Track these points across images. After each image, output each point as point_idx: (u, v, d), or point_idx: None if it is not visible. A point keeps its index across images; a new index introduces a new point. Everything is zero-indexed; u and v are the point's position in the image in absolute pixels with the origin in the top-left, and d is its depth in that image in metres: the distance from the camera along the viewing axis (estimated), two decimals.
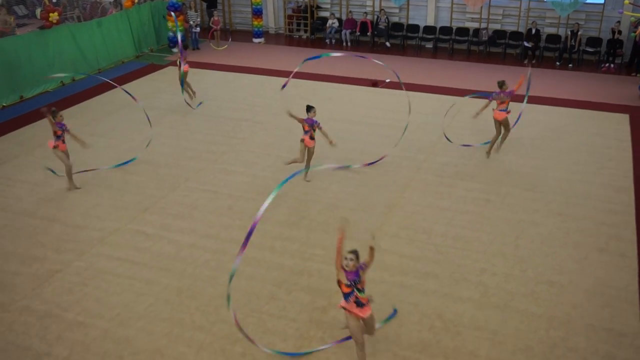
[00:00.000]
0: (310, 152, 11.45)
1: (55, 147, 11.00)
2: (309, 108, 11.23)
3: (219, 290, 8.64)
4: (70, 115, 15.25)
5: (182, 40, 19.98)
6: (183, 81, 15.27)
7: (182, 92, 15.71)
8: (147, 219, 10.53)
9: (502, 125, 12.28)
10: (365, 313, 6.62)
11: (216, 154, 12.99)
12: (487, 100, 12.28)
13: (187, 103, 15.61)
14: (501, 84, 12.06)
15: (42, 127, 14.40)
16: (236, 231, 10.09)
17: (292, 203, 10.97)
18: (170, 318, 8.12)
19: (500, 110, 12.10)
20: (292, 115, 11.15)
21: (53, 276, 9.02)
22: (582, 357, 7.43)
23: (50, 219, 10.57)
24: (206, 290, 8.68)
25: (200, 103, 15.69)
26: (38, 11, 21.26)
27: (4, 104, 15.91)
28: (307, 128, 11.18)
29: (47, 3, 19.08)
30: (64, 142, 11.04)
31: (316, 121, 11.20)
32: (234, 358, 7.43)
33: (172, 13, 19.72)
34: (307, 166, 11.42)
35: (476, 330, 7.86)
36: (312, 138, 11.25)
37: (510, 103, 12.09)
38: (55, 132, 10.92)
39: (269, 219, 10.43)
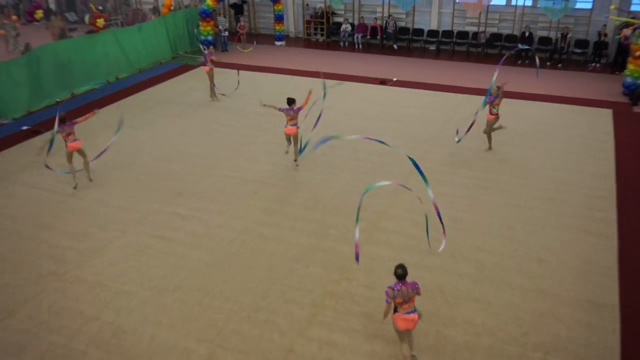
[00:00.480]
0: (295, 139, 11.51)
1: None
2: (291, 101, 11.27)
3: (244, 265, 8.71)
4: (112, 110, 15.39)
5: (210, 43, 20.09)
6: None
7: (216, 88, 15.99)
8: (181, 202, 10.60)
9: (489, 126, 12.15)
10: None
11: (242, 144, 13.00)
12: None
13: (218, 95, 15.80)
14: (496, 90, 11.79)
15: (90, 121, 14.53)
16: (260, 214, 10.12)
17: (310, 189, 10.98)
18: (202, 289, 8.20)
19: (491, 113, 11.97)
20: (265, 105, 11.33)
21: (100, 251, 9.14)
22: (567, 326, 7.41)
23: (97, 201, 10.69)
24: (233, 265, 8.73)
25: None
26: (87, 17, 21.39)
27: (58, 100, 16.05)
28: (288, 118, 11.24)
29: (95, 10, 19.18)
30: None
31: (292, 108, 11.22)
32: (257, 324, 7.50)
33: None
34: (293, 151, 11.61)
35: (473, 302, 7.85)
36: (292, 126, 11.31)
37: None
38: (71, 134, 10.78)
39: (289, 203, 10.46)
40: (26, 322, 7.64)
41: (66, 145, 10.75)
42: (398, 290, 6.26)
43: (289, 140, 11.52)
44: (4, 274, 8.64)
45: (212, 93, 15.95)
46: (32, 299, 8.08)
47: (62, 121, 10.67)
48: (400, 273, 6.28)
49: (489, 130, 12.18)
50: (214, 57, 15.71)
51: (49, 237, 9.55)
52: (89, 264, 8.81)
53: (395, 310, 6.40)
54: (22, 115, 14.97)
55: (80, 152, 10.93)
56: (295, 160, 11.78)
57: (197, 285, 8.28)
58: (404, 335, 6.52)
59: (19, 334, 7.44)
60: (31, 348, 7.20)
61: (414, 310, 6.38)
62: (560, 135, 13.41)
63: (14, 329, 7.53)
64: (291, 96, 11.46)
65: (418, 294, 6.36)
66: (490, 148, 12.42)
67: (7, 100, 14.53)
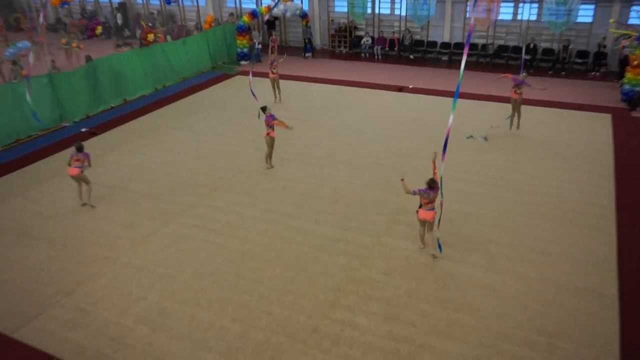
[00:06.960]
0: (272, 142, 11.36)
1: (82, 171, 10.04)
2: (264, 109, 11.18)
3: (274, 253, 8.58)
4: (161, 114, 15.45)
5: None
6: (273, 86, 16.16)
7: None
8: (218, 195, 10.53)
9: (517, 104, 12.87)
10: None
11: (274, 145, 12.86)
12: (510, 76, 12.96)
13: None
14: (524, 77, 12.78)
15: (141, 124, 14.64)
16: (288, 207, 9.99)
17: (333, 184, 10.81)
18: (236, 274, 8.11)
19: (515, 92, 12.79)
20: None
21: (147, 239, 9.12)
22: (569, 313, 7.12)
23: (145, 194, 10.68)
24: (263, 253, 8.61)
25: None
26: (138, 33, 21.53)
27: (112, 105, 16.17)
28: (270, 124, 11.07)
29: (145, 27, 19.28)
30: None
31: (273, 115, 11.12)
32: (286, 306, 7.38)
33: None
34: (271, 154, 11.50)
35: (482, 290, 7.60)
36: (273, 130, 11.20)
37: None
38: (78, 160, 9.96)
39: (314, 197, 10.30)
40: (82, 300, 7.65)
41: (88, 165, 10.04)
42: (427, 193, 8.04)
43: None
44: (62, 258, 8.68)
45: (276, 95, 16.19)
46: (88, 280, 8.09)
47: (80, 150, 9.94)
48: (431, 184, 8.04)
49: (518, 107, 12.89)
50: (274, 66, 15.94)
51: (103, 226, 9.58)
52: (137, 251, 8.79)
53: (420, 206, 8.21)
54: (81, 119, 15.11)
55: (79, 178, 10.09)
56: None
57: (231, 270, 8.19)
58: (423, 224, 8.41)
59: (75, 312, 7.45)
60: (85, 324, 7.19)
61: (433, 208, 8.17)
62: (563, 137, 12.98)
63: (71, 307, 7.54)
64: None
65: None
66: (518, 127, 13.14)
67: (68, 106, 14.69)
